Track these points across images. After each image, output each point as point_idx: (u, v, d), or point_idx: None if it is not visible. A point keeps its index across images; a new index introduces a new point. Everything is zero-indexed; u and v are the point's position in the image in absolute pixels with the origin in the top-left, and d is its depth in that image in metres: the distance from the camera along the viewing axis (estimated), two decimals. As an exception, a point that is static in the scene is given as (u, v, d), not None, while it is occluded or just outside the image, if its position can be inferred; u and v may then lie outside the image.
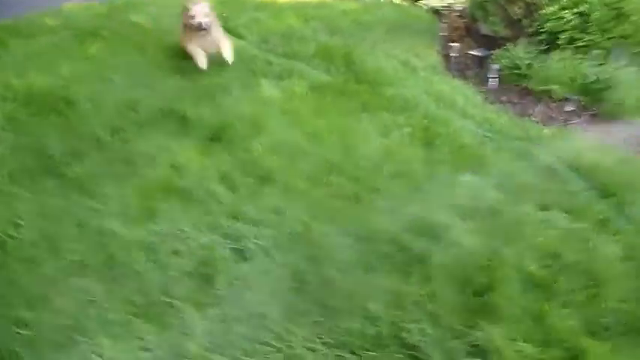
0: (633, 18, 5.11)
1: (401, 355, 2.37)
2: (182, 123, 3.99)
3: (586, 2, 5.07)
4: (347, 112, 4.36)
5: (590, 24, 5.08)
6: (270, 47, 5.56)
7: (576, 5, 5.12)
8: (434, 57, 5.85)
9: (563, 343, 2.39)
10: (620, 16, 5.11)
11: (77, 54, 5.09)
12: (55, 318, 2.44)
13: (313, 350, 2.37)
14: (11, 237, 2.83)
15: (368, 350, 2.38)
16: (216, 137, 3.83)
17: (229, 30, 5.51)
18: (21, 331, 2.37)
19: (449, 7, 7.16)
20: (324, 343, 2.41)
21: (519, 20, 5.54)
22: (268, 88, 4.64)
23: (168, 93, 4.43)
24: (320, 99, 4.51)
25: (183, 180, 3.39)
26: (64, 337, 2.36)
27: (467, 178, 3.63)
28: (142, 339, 2.39)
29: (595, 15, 5.04)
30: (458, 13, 6.98)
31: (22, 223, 2.92)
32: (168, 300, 2.56)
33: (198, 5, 4.62)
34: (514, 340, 2.40)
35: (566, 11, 5.12)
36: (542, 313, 2.54)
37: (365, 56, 5.45)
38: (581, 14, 5.10)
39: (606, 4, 5.09)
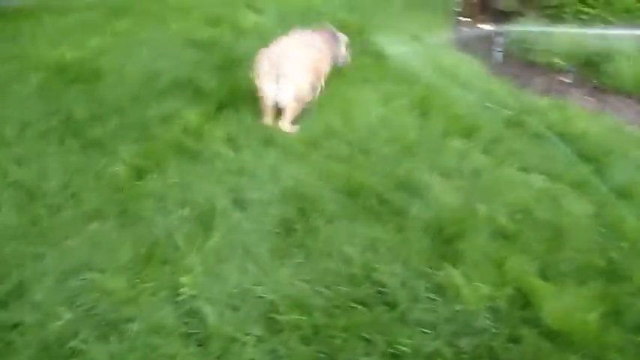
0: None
1: (370, 291, 2.66)
2: (196, 92, 4.34)
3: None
4: (350, 83, 4.63)
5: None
6: (288, 24, 5.85)
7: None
8: (444, 32, 6.04)
9: (516, 284, 2.65)
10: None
11: (106, 29, 5.50)
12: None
13: (293, 285, 2.69)
14: (39, 187, 3.21)
15: (341, 286, 2.68)
16: (225, 105, 4.16)
17: (248, 4, 5.85)
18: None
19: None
20: (303, 280, 2.72)
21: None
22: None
23: (187, 64, 4.80)
24: (327, 70, 4.79)
25: (193, 141, 3.73)
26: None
27: (456, 143, 3.87)
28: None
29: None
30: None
31: (48, 175, 3.31)
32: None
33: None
34: (472, 280, 2.67)
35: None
36: (501, 259, 2.79)
37: (377, 31, 5.70)
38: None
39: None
